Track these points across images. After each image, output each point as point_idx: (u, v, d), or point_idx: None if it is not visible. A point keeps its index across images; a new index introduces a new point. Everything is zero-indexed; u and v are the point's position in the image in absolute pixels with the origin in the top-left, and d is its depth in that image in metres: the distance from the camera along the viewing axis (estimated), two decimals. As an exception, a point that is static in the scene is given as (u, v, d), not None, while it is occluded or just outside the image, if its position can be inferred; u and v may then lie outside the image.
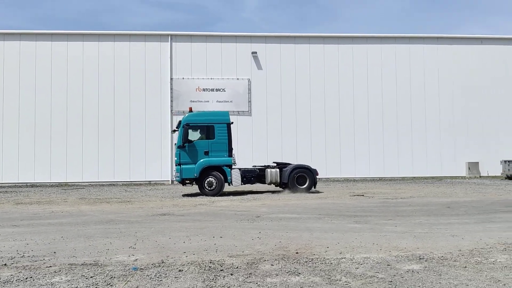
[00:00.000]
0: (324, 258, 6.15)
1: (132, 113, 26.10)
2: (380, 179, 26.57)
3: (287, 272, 5.44)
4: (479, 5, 76.89)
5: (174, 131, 18.80)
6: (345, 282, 5.03)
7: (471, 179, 25.99)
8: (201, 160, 16.93)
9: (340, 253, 6.49)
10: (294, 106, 27.04)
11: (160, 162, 26.03)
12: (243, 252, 6.62)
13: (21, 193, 19.78)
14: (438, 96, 27.98)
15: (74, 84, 25.92)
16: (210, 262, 5.94)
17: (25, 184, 24.85)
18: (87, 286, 4.90)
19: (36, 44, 25.92)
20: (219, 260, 6.06)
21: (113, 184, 24.89)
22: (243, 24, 76.92)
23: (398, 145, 27.40)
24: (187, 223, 9.76)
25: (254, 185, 18.72)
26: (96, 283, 5.03)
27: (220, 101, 26.57)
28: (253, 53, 27.00)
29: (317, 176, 18.39)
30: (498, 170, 27.06)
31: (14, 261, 6.08)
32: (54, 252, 6.68)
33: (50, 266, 5.81)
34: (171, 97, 26.38)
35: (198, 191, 17.41)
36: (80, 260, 6.17)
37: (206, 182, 16.99)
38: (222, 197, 16.66)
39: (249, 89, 26.88)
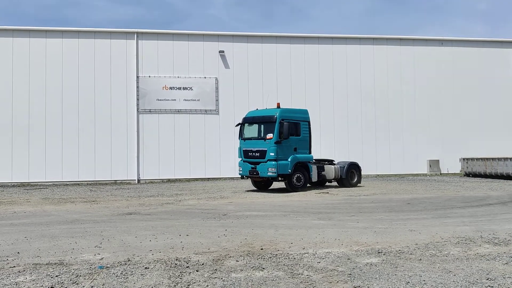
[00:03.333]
0: (288, 253, 6.36)
1: (97, 112, 25.67)
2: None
3: (252, 268, 5.60)
4: (440, 7, 79.32)
5: (238, 124, 18.86)
6: (307, 275, 5.24)
7: (432, 177, 26.91)
8: (293, 156, 17.39)
9: (303, 248, 6.71)
10: (261, 106, 27.21)
11: (126, 161, 25.72)
12: (209, 249, 6.75)
13: (-19, 193, 19.17)
14: (400, 95, 28.79)
15: (36, 81, 25.24)
16: (176, 260, 6.04)
17: (-16, 184, 24.08)
18: (52, 285, 4.92)
19: (-4, 40, 25.12)
20: (185, 258, 6.17)
21: (78, 184, 24.46)
22: (211, 21, 76.68)
23: (362, 144, 28.05)
24: (153, 222, 9.79)
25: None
26: (61, 281, 5.05)
27: (187, 100, 26.49)
28: (221, 52, 27.04)
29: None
30: (457, 168, 28.13)
31: (-25, 262, 6.00)
32: (18, 252, 6.62)
33: (14, 266, 5.77)
34: (137, 95, 26.10)
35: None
36: (44, 259, 6.15)
37: (295, 177, 17.53)
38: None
39: (217, 88, 26.92)
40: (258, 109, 19.13)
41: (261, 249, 6.68)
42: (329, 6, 79.51)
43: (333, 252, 6.41)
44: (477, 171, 25.74)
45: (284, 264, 5.75)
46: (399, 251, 6.42)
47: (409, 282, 4.93)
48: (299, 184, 17.68)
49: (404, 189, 18.07)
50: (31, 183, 24.44)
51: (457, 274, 5.25)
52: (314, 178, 18.27)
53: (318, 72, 28.07)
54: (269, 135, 17.30)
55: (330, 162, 20.33)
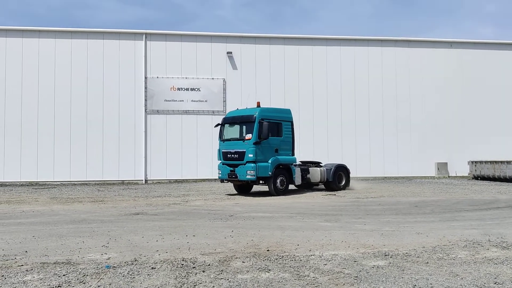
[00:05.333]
0: (294, 255, 6.35)
1: (105, 112, 25.83)
2: (352, 179, 27.07)
3: (258, 269, 5.60)
4: (449, 9, 78.94)
5: (218, 125, 18.12)
6: (313, 277, 5.23)
7: (440, 179, 26.74)
8: (274, 158, 16.56)
9: (310, 250, 6.69)
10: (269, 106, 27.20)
11: (133, 162, 25.85)
12: (215, 250, 6.76)
13: (-10, 192, 19.33)
14: (409, 97, 28.66)
15: (45, 81, 25.45)
16: (183, 260, 6.06)
17: (-6, 183, 24.29)
18: (59, 284, 4.95)
19: (6, 41, 25.37)
20: (191, 258, 6.18)
21: (86, 184, 24.60)
22: (219, 22, 76.90)
23: (370, 146, 27.96)
24: (160, 222, 9.82)
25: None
26: (68, 281, 5.08)
27: (195, 101, 26.58)
28: (228, 53, 27.09)
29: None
30: (466, 170, 27.93)
31: (-16, 261, 6.05)
32: (26, 251, 6.67)
33: (22, 265, 5.81)
34: (145, 96, 26.23)
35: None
36: (52, 259, 6.18)
37: (279, 180, 16.69)
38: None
39: (224, 89, 26.97)
40: (239, 108, 18.28)
41: (268, 250, 6.68)
42: (337, 8, 79.40)
43: (340, 254, 6.40)
44: (485, 174, 25.55)
45: (290, 266, 5.74)
46: (406, 254, 6.38)
47: (415, 285, 4.90)
48: (282, 187, 16.79)
49: (412, 192, 17.97)
50: (40, 183, 24.62)
51: (465, 277, 5.21)
52: (298, 181, 17.44)
53: (326, 74, 28.03)
54: (248, 136, 16.48)
55: (317, 164, 19.35)
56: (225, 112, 26.77)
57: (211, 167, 26.40)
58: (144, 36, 26.52)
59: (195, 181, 25.79)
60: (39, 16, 72.39)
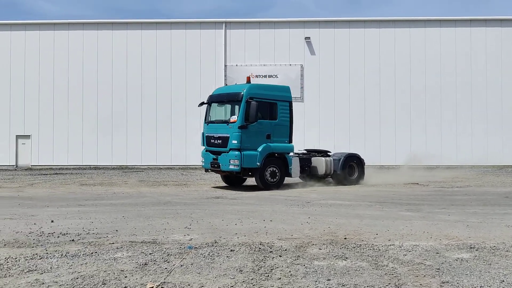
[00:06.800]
0: (373, 244, 6.24)
1: (188, 100, 26.79)
2: (437, 167, 25.81)
3: (335, 256, 5.59)
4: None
5: (202, 103, 15.56)
6: (392, 268, 5.12)
7: (536, 169, 24.68)
8: (265, 145, 13.93)
9: (389, 240, 6.54)
10: (347, 92, 26.70)
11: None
12: (292, 235, 6.83)
13: (85, 175, 21.03)
14: (500, 82, 26.60)
15: (133, 74, 26.88)
16: (260, 244, 6.20)
17: (88, 166, 26.33)
18: (146, 262, 5.30)
19: (97, 33, 27.11)
20: (268, 242, 6.31)
21: (170, 168, 25.84)
22: (296, 9, 76.06)
23: (457, 132, 26.42)
24: (239, 206, 10.10)
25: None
26: (154, 259, 5.43)
27: (273, 87, 26.70)
28: (306, 38, 26.82)
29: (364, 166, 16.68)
30: None
31: (80, 238, 6.63)
32: (116, 230, 7.19)
33: (113, 243, 6.29)
34: (225, 84, 26.80)
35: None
36: (139, 238, 6.63)
37: (269, 172, 14.08)
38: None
39: (302, 75, 26.81)
40: (228, 85, 15.49)
41: (345, 238, 6.63)
42: (422, -13, 75.12)
43: (421, 245, 6.18)
44: None
45: (368, 255, 5.66)
46: (494, 247, 6.02)
47: (503, 281, 4.62)
48: (273, 180, 14.13)
49: (502, 182, 16.79)
50: (129, 166, 26.28)
51: (561, 276, 4.82)
52: (295, 173, 14.65)
53: (409, 56, 26.77)
54: (233, 118, 13.86)
55: (324, 153, 16.44)
56: (302, 99, 26.64)
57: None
58: (224, 24, 27.03)
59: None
60: (126, 10, 76.34)
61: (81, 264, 5.21)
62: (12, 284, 4.56)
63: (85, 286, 4.47)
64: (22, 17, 79.97)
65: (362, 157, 16.74)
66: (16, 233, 6.94)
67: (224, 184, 15.86)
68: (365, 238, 6.67)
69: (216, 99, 15.02)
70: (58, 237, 6.66)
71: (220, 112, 14.81)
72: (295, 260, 5.43)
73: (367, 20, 27.37)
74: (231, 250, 5.85)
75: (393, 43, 26.80)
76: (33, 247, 6.03)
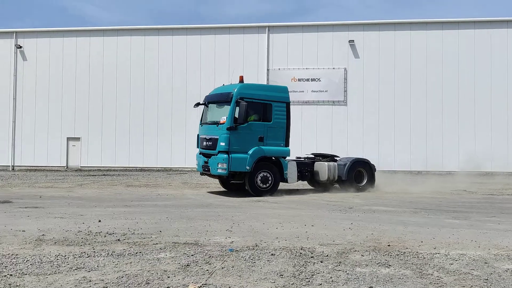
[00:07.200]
0: (417, 252, 6.07)
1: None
2: (487, 174, 24.78)
3: (377, 264, 5.48)
4: None
5: (198, 104, 15.00)
6: (437, 277, 4.96)
7: None
8: (256, 148, 13.16)
9: (435, 248, 6.34)
10: (392, 96, 26.12)
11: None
12: (333, 241, 6.75)
13: (131, 176, 21.65)
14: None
15: (178, 80, 27.41)
16: (301, 249, 6.17)
17: (134, 168, 27.08)
18: (188, 263, 5.40)
19: (144, 39, 27.87)
20: (309, 248, 6.27)
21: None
22: (340, 11, 75.42)
23: (508, 136, 25.30)
24: (280, 210, 10.09)
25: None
26: (196, 260, 5.51)
27: (315, 91, 26.53)
28: (350, 41, 26.49)
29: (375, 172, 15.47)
30: None
31: (125, 237, 6.83)
32: (160, 231, 7.36)
33: (157, 244, 6.44)
34: (268, 87, 26.89)
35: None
36: (182, 239, 6.75)
37: (259, 177, 13.28)
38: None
39: (345, 78, 26.48)
40: (225, 84, 15.04)
41: (388, 245, 6.48)
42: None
43: (468, 254, 5.96)
44: None
45: (412, 263, 5.51)
46: (549, 260, 5.71)
47: (559, 295, 4.38)
48: (265, 186, 13.26)
49: (559, 190, 15.91)
50: (173, 169, 26.82)
51: None
52: (292, 178, 13.83)
53: (458, 61, 25.87)
54: (223, 119, 13.14)
55: (331, 158, 15.50)
56: (346, 102, 26.29)
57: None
58: (267, 29, 27.14)
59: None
60: (170, 15, 78.18)
61: (126, 263, 5.36)
62: (61, 280, 4.76)
63: (129, 285, 4.60)
64: (73, 24, 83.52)
65: (371, 162, 15.58)
66: (66, 231, 7.24)
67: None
68: (410, 245, 6.50)
69: (211, 99, 14.47)
70: (105, 236, 6.89)
71: (216, 113, 14.00)
72: (336, 266, 5.36)
73: (413, 22, 26.71)
74: (272, 254, 5.85)
75: (441, 46, 26.00)
76: (81, 245, 6.28)
